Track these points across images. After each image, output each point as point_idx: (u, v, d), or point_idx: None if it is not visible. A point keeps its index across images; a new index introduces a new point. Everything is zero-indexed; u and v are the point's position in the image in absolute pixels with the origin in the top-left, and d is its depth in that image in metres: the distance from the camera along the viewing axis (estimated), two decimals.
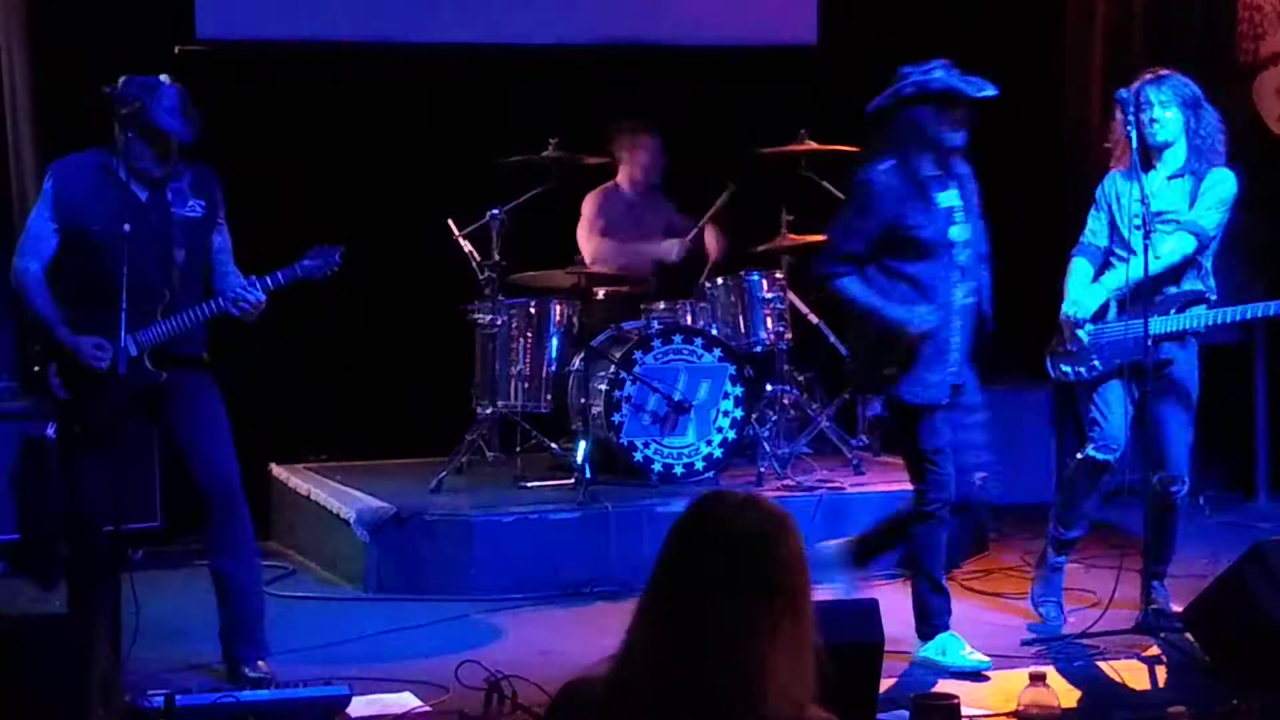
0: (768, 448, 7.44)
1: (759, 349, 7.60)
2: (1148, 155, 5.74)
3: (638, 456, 7.21)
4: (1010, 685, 5.04)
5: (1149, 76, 5.76)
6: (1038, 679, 4.47)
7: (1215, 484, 8.34)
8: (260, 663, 5.31)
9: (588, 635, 5.72)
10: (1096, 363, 5.78)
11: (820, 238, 7.46)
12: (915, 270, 5.34)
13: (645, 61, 8.56)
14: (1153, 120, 5.68)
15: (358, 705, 4.94)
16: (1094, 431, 5.82)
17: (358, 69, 8.31)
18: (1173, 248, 5.66)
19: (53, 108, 7.41)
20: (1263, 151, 8.01)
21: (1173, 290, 5.74)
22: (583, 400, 7.29)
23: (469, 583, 6.61)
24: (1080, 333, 5.75)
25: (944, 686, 5.09)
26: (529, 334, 7.52)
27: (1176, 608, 5.68)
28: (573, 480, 7.10)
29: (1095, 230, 5.85)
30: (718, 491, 2.53)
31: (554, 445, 7.44)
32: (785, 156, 7.83)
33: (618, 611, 2.47)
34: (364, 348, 8.16)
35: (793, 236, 7.72)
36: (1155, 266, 5.61)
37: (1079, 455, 5.87)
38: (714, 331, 7.46)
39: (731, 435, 7.33)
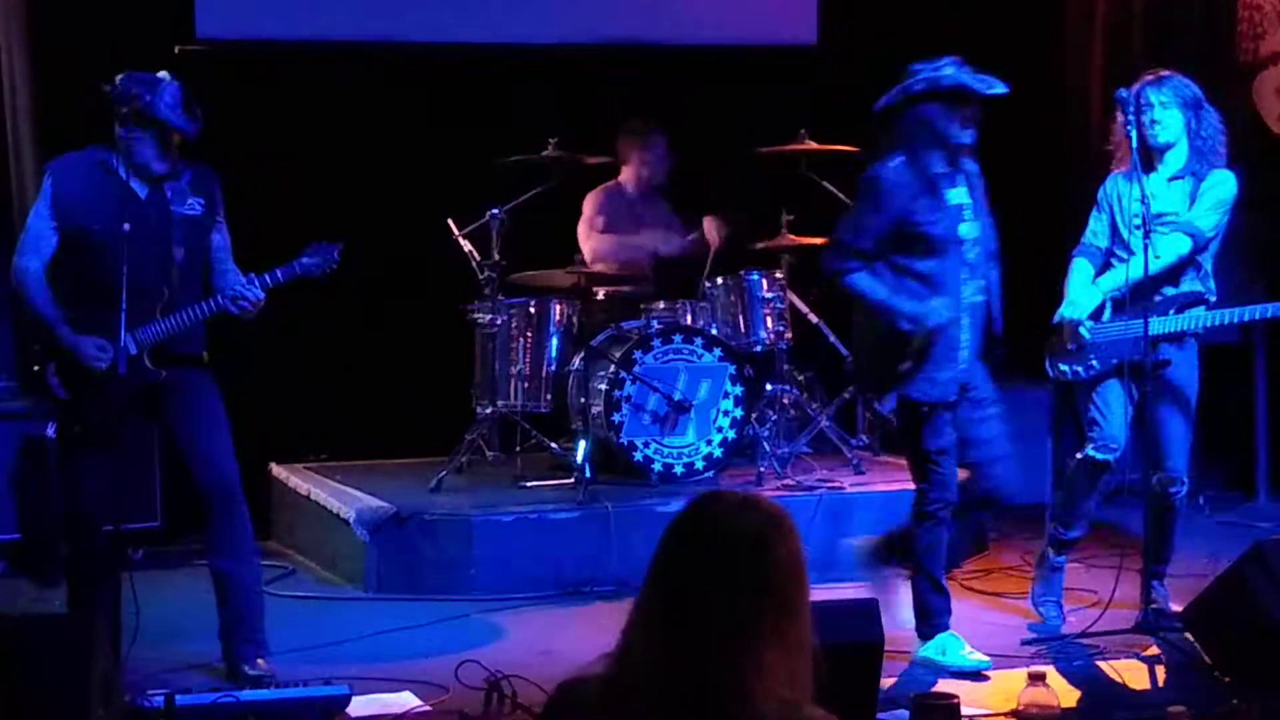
0: (768, 447, 7.44)
1: (759, 349, 7.60)
2: (1149, 156, 5.74)
3: (638, 456, 7.22)
4: (1010, 685, 5.04)
5: (1149, 77, 5.76)
6: (1038, 679, 4.46)
7: (1215, 484, 8.34)
8: (260, 661, 5.31)
9: (588, 635, 5.71)
10: (1094, 362, 5.78)
11: (820, 240, 7.51)
12: (924, 267, 5.32)
13: (645, 61, 8.56)
14: (1153, 121, 5.68)
15: (358, 705, 4.94)
16: (1093, 431, 5.82)
17: (358, 69, 8.31)
18: (1167, 249, 5.66)
19: (53, 108, 7.42)
20: (1263, 151, 8.02)
21: (1171, 291, 5.74)
22: (583, 400, 7.30)
23: (469, 582, 6.61)
24: (1081, 329, 5.74)
25: (944, 686, 5.09)
26: (529, 334, 7.52)
27: (1176, 608, 5.68)
28: (573, 480, 7.10)
29: (1096, 231, 5.85)
30: (715, 491, 2.53)
31: (554, 445, 7.44)
32: (785, 156, 7.83)
33: (617, 611, 2.47)
34: (364, 347, 8.16)
35: (792, 237, 7.72)
36: (1152, 268, 5.60)
37: (1079, 455, 5.86)
38: (714, 331, 7.46)
39: (731, 435, 7.34)
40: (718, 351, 7.35)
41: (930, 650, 5.46)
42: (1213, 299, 5.77)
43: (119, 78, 5.19)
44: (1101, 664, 5.47)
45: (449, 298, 7.66)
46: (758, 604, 2.36)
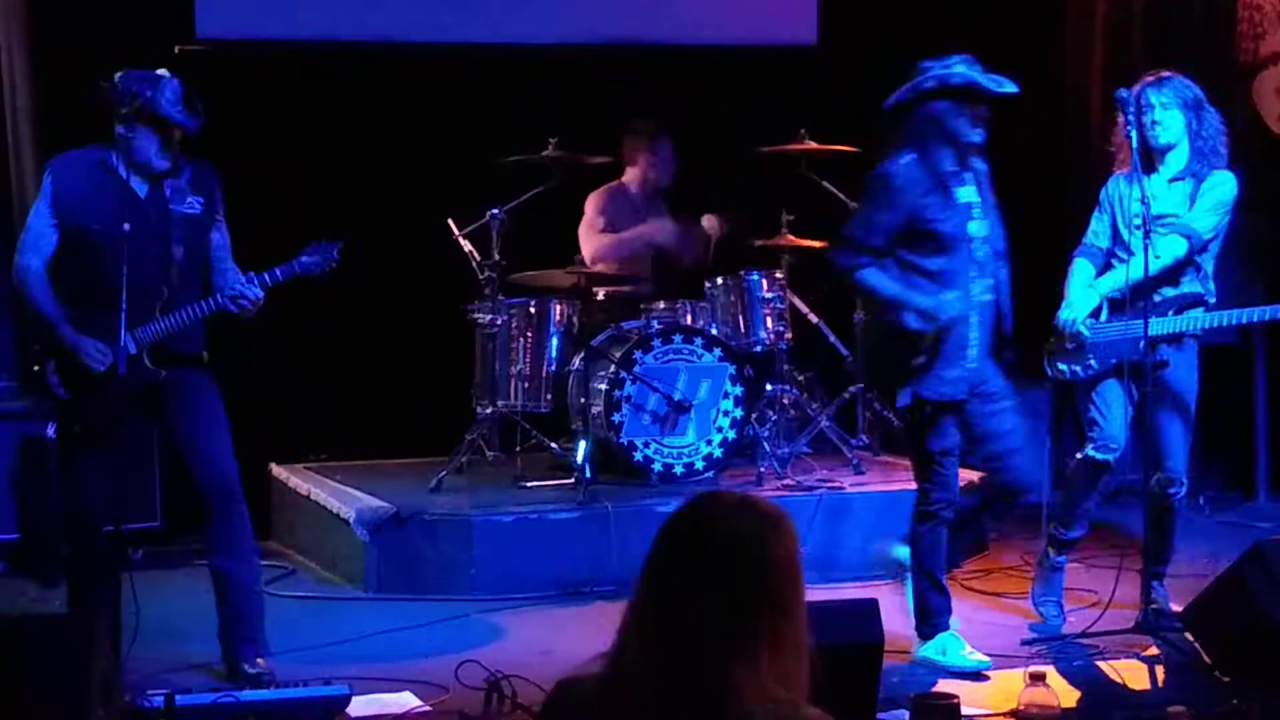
0: (768, 447, 7.44)
1: (759, 349, 7.60)
2: (1150, 157, 5.74)
3: (638, 456, 7.21)
4: (1010, 685, 5.04)
5: (1150, 78, 5.75)
6: (1038, 679, 4.47)
7: (1215, 484, 8.35)
8: (260, 660, 5.31)
9: (588, 635, 5.70)
10: (1093, 362, 5.78)
11: (819, 243, 7.51)
12: (934, 265, 5.31)
13: (646, 61, 8.56)
14: (1154, 122, 5.68)
15: (358, 705, 4.94)
16: (1093, 431, 5.82)
17: (358, 69, 8.31)
18: (1165, 251, 5.65)
19: (53, 108, 7.41)
20: (1263, 151, 8.02)
21: (1170, 292, 5.73)
22: (583, 400, 7.29)
23: (469, 583, 6.61)
24: (1081, 328, 5.74)
25: (944, 686, 5.09)
26: (529, 334, 7.52)
27: (1176, 608, 5.68)
28: (573, 480, 7.10)
29: (1098, 232, 5.85)
30: (711, 492, 2.52)
31: (554, 445, 7.44)
32: (785, 156, 7.83)
33: (617, 611, 2.47)
34: (364, 347, 8.16)
35: (792, 238, 7.72)
36: (1150, 269, 5.59)
37: (1078, 455, 5.87)
38: (714, 331, 7.46)
39: (731, 435, 7.33)
40: (718, 351, 7.35)
41: (930, 650, 5.46)
42: (1212, 300, 5.77)
43: (118, 75, 5.19)
44: (1101, 664, 5.47)
45: (449, 298, 7.66)
46: (754, 604, 2.36)
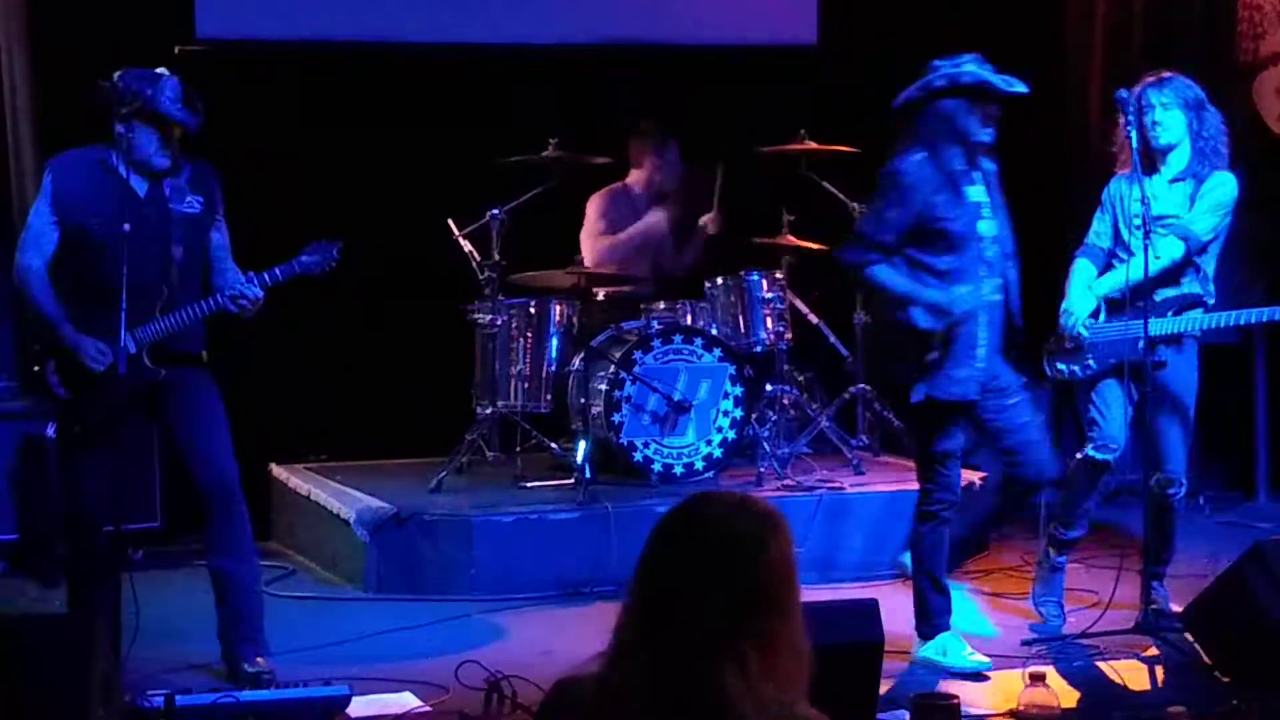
0: (768, 448, 7.44)
1: (759, 349, 7.59)
2: (1151, 157, 5.74)
3: (638, 456, 7.21)
4: (1010, 685, 5.04)
5: (1151, 78, 5.75)
6: (1038, 679, 4.47)
7: (1215, 484, 8.35)
8: (259, 659, 5.30)
9: (588, 635, 5.66)
10: (1092, 361, 5.78)
11: (819, 246, 7.52)
12: (943, 264, 5.30)
13: (646, 61, 8.55)
14: (1155, 123, 5.68)
15: (358, 705, 4.94)
16: (1093, 431, 5.82)
17: (358, 69, 8.30)
18: (1162, 252, 5.65)
19: (53, 108, 7.41)
20: (1263, 151, 8.01)
21: (1169, 293, 5.73)
22: (583, 400, 7.29)
23: (469, 583, 6.61)
24: (1080, 328, 5.74)
25: (944, 686, 5.09)
26: (529, 334, 7.52)
27: (1176, 608, 5.68)
28: (573, 480, 7.09)
29: (1099, 232, 5.85)
30: (705, 492, 2.52)
31: (554, 445, 7.43)
32: (785, 156, 7.83)
33: (617, 612, 2.47)
34: (364, 347, 8.15)
35: (792, 238, 7.72)
36: (1149, 270, 5.60)
37: (1078, 455, 5.86)
38: (714, 331, 7.46)
39: (731, 435, 7.33)
40: (718, 352, 7.34)
41: (930, 650, 5.46)
42: (1211, 301, 5.77)
43: (117, 74, 5.20)
44: (1101, 664, 5.47)
45: (449, 298, 7.65)
46: (748, 604, 2.36)
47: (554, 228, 7.94)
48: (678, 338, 7.32)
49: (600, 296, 7.87)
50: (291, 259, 5.39)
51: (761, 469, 7.35)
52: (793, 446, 7.59)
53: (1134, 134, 5.63)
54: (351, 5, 8.32)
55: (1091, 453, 5.79)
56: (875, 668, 4.47)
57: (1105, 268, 5.83)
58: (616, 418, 7.19)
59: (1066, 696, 4.94)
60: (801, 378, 7.89)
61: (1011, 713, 4.65)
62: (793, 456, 7.53)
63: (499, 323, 7.45)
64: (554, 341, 7.55)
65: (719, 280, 7.66)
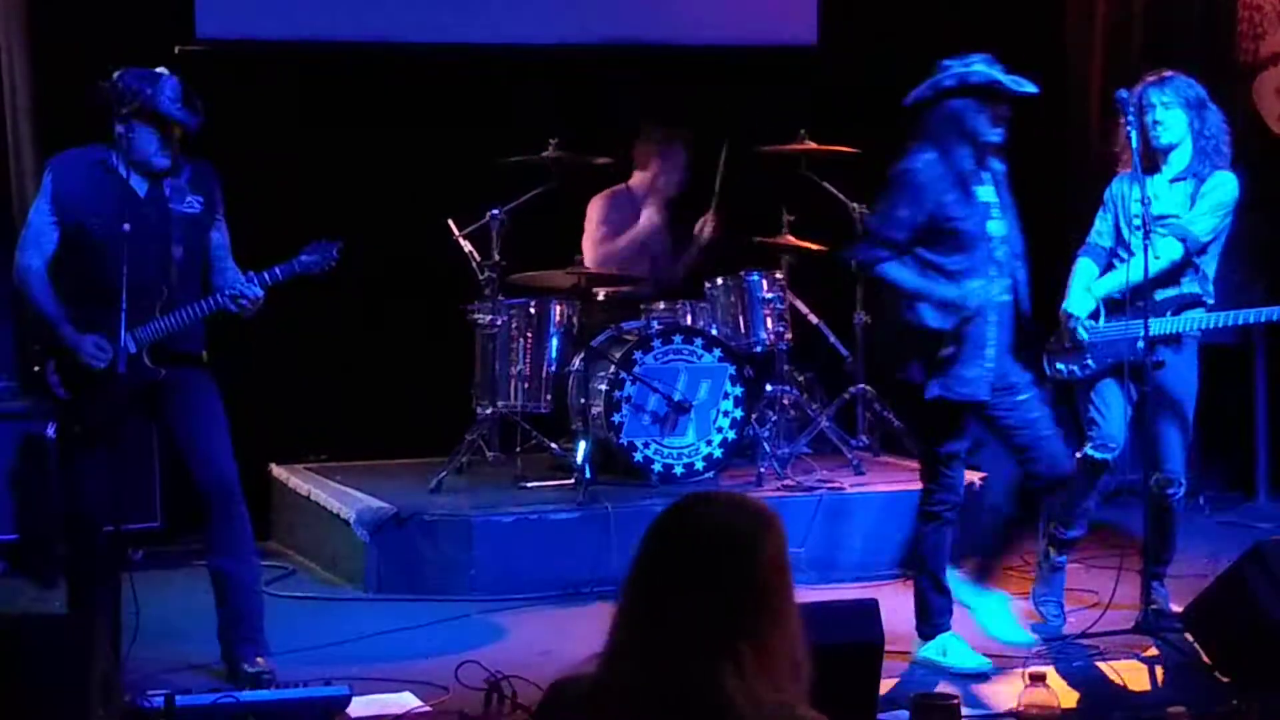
0: (768, 448, 7.44)
1: (759, 349, 7.59)
2: (1152, 157, 5.74)
3: (638, 456, 7.21)
4: (1010, 685, 5.04)
5: (1152, 78, 5.75)
6: (1038, 679, 4.46)
7: (1215, 484, 8.35)
8: (259, 659, 5.30)
9: (588, 636, 5.66)
10: (1090, 361, 5.78)
11: (818, 247, 7.51)
12: (953, 263, 5.29)
13: (645, 61, 8.55)
14: (1156, 122, 5.68)
15: (358, 705, 4.94)
16: (1092, 431, 5.82)
17: (358, 69, 8.30)
18: (1163, 252, 5.65)
19: (53, 108, 7.41)
20: (1263, 151, 8.02)
21: (1168, 293, 5.73)
22: (583, 400, 7.29)
23: (469, 583, 6.61)
24: (1079, 328, 5.74)
25: (944, 686, 5.09)
26: (529, 334, 7.51)
27: (1176, 608, 5.68)
28: (573, 480, 7.09)
29: (1101, 231, 5.86)
30: (700, 492, 2.52)
31: (554, 445, 7.43)
32: (785, 156, 7.83)
33: (612, 612, 2.47)
34: (364, 347, 8.15)
35: (792, 238, 7.72)
36: (1142, 271, 5.59)
37: (1077, 454, 5.86)
38: (714, 331, 7.46)
39: (731, 435, 7.33)
40: (718, 352, 7.34)
41: (931, 650, 5.46)
42: (1210, 301, 5.77)
43: (117, 74, 5.19)
44: (1101, 664, 5.47)
45: (449, 298, 7.65)
46: (742, 604, 2.35)
47: (554, 228, 7.94)
48: (678, 338, 7.31)
49: (600, 296, 7.86)
50: (291, 259, 5.39)
51: (761, 469, 7.35)
52: (793, 447, 7.59)
53: (1134, 134, 5.63)
54: (351, 5, 8.32)
55: (1090, 452, 5.79)
56: (875, 668, 4.47)
57: (1107, 267, 5.83)
58: (616, 418, 7.19)
59: (1066, 696, 4.94)
60: (801, 378, 7.89)
61: (1011, 713, 4.64)
62: (793, 457, 7.53)
63: (499, 323, 7.45)
64: (554, 342, 7.54)
65: (719, 280, 7.66)
